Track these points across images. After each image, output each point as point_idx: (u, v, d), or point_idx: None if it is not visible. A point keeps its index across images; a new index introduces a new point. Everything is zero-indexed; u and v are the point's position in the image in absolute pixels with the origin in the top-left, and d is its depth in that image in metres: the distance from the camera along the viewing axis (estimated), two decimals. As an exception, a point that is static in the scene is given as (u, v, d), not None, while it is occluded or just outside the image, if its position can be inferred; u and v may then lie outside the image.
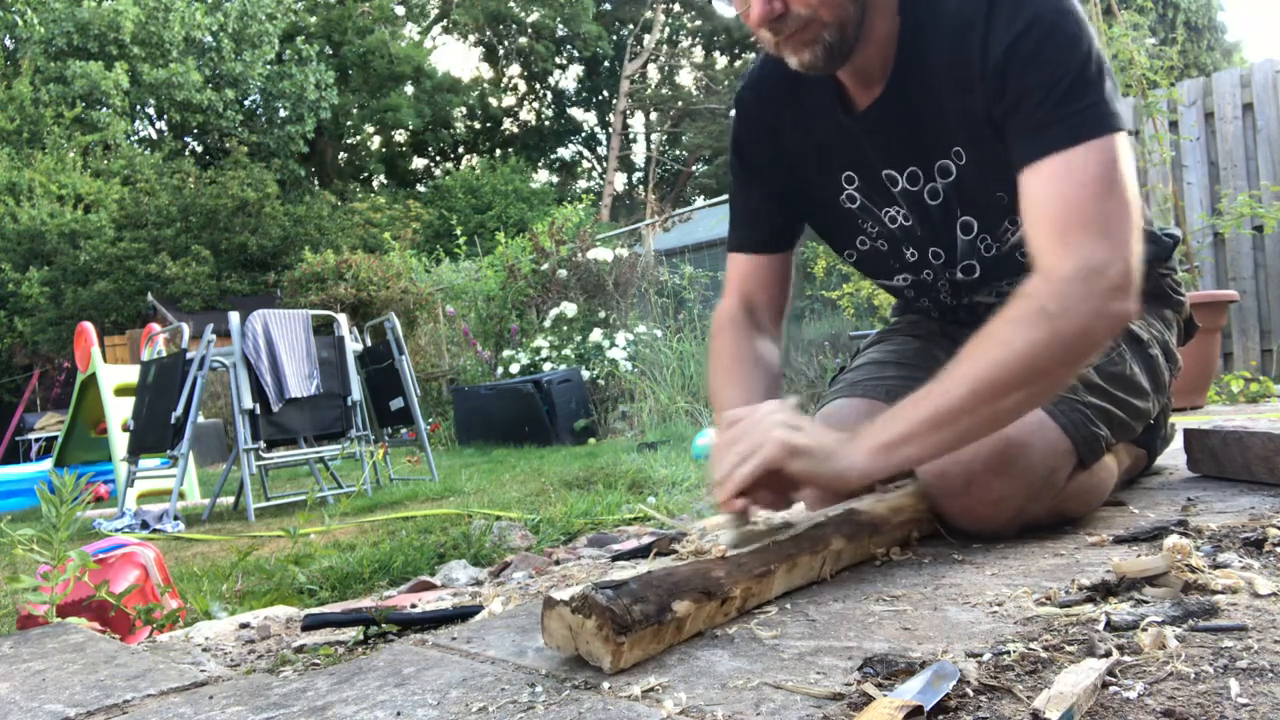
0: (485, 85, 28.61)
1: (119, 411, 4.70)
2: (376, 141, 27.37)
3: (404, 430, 5.61)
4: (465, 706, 0.79)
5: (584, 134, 30.85)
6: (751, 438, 1.08)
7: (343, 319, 4.47)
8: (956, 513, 1.27)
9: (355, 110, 24.91)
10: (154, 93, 18.73)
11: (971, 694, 0.70)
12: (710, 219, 10.16)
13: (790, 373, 5.69)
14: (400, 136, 27.35)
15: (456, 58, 69.45)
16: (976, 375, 1.08)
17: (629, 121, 27.40)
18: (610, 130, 25.95)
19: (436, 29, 28.77)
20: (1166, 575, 0.91)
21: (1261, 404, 3.69)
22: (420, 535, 2.38)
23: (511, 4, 26.85)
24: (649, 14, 24.39)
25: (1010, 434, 1.20)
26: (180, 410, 3.89)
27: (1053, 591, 0.95)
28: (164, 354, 4.78)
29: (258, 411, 3.97)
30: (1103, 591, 0.93)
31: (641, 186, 27.22)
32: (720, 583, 0.95)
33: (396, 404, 4.67)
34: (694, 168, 26.33)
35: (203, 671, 1.02)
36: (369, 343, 4.91)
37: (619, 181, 26.65)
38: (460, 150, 29.31)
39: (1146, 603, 0.88)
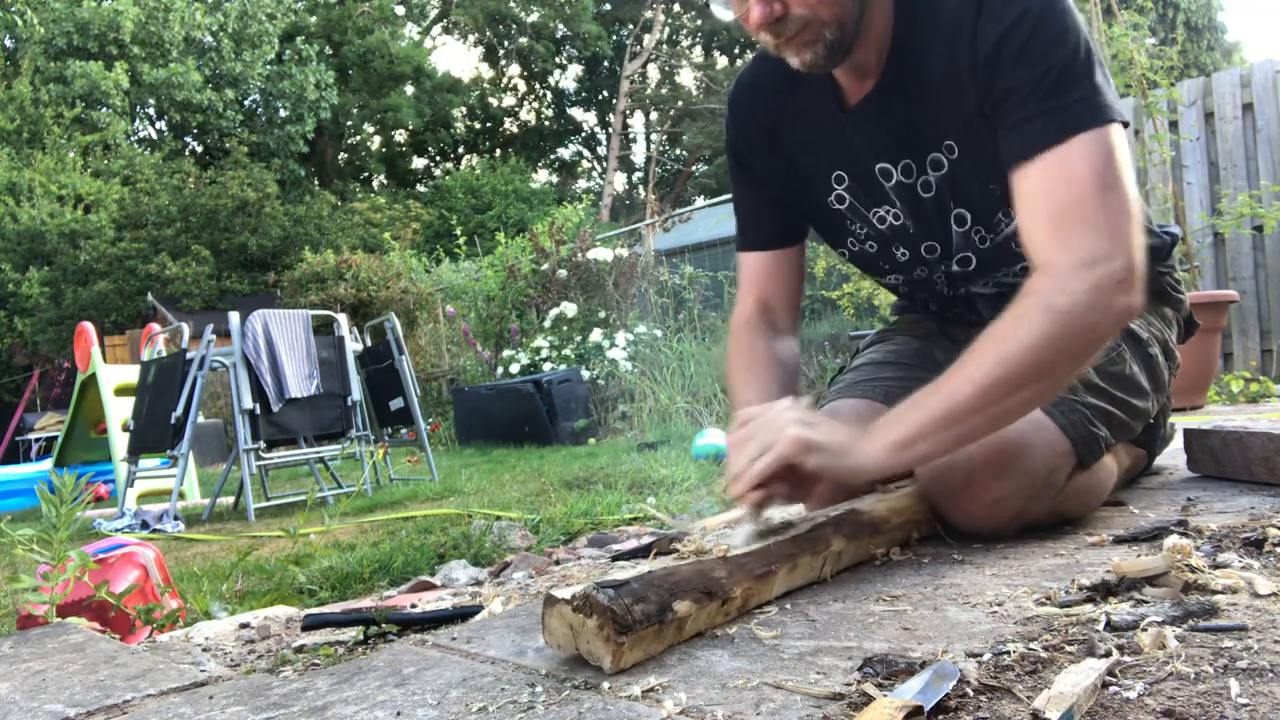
0: (485, 85, 28.62)
1: (119, 411, 4.70)
2: (376, 141, 27.38)
3: (404, 430, 5.61)
4: (465, 706, 0.79)
5: (584, 134, 30.88)
6: (767, 434, 1.10)
7: (343, 319, 4.47)
8: (956, 513, 1.27)
9: (355, 110, 24.92)
10: (154, 93, 18.73)
11: (971, 694, 0.70)
12: (710, 219, 10.16)
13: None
14: (400, 136, 27.37)
15: (456, 58, 69.48)
16: (985, 373, 1.09)
17: (629, 121, 27.42)
18: (610, 130, 25.95)
19: (436, 29, 28.78)
20: (1166, 575, 0.91)
21: (1261, 404, 3.69)
22: (420, 535, 2.38)
23: (511, 4, 26.85)
24: (649, 14, 24.39)
25: (1010, 434, 1.20)
26: (180, 410, 3.89)
27: (1053, 591, 0.95)
28: (164, 354, 4.78)
29: (258, 411, 3.97)
30: (1103, 591, 0.93)
31: (641, 186, 27.22)
32: (721, 583, 0.95)
33: (396, 404, 4.67)
34: (694, 168, 26.33)
35: (203, 671, 1.02)
36: (369, 343, 4.91)
37: (619, 181, 26.66)
38: (460, 150, 29.32)
39: (1146, 603, 0.88)
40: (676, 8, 27.03)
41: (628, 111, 25.31)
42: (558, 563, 1.85)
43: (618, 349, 6.67)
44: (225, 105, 19.60)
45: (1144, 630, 0.78)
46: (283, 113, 20.91)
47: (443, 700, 0.81)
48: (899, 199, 1.38)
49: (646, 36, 24.56)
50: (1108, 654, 0.74)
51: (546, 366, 6.87)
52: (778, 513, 1.14)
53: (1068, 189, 1.11)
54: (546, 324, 7.44)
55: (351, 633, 1.28)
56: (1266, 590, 0.87)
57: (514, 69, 28.92)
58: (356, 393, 4.36)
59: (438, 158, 29.38)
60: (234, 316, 4.05)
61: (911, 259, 1.45)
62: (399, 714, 0.79)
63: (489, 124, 29.45)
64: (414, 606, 1.42)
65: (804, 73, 1.31)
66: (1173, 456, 1.82)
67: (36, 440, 11.25)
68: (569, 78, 30.17)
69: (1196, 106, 5.21)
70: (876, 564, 1.19)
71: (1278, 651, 0.72)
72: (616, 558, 1.73)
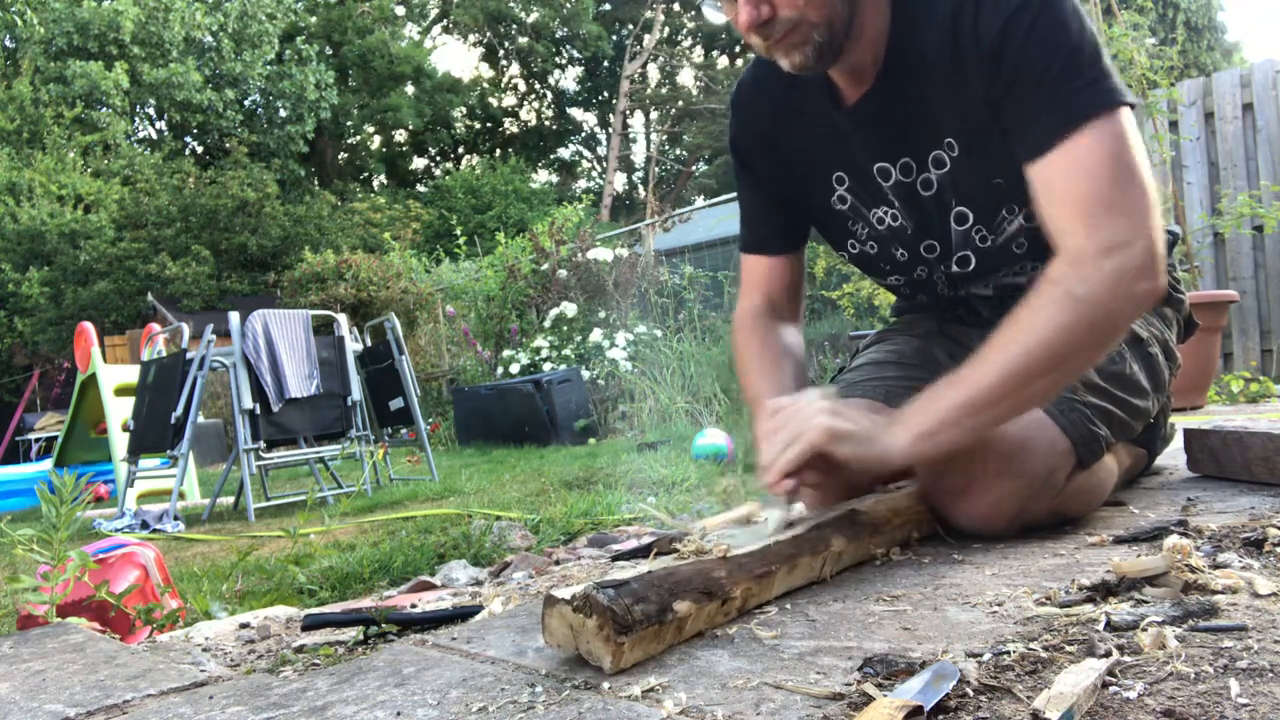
0: (485, 85, 28.62)
1: (119, 411, 4.70)
2: (376, 141, 27.38)
3: (404, 430, 5.61)
4: (465, 706, 0.79)
5: (584, 134, 30.88)
6: (796, 423, 1.12)
7: (343, 319, 4.47)
8: (956, 513, 1.27)
9: (355, 110, 24.92)
10: (154, 93, 18.74)
11: (971, 694, 0.70)
12: (710, 219, 10.15)
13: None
14: (400, 136, 27.37)
15: (456, 58, 69.45)
16: (1009, 361, 1.10)
17: (629, 121, 27.41)
18: (610, 130, 25.93)
19: (436, 29, 28.79)
20: (1166, 575, 0.91)
21: (1261, 404, 3.69)
22: (420, 535, 2.38)
23: (511, 4, 26.85)
24: (649, 14, 24.38)
25: (1010, 434, 1.20)
26: (180, 410, 3.89)
27: (1053, 591, 0.95)
28: (164, 354, 4.78)
29: (258, 411, 3.97)
30: (1103, 591, 0.93)
31: (641, 186, 27.22)
32: (721, 583, 0.95)
33: (396, 404, 4.67)
34: (694, 168, 26.32)
35: (203, 671, 1.02)
36: (369, 343, 4.91)
37: (619, 181, 26.65)
38: (460, 150, 29.32)
39: (1146, 603, 0.88)
40: (676, 8, 27.03)
41: (628, 111, 25.30)
42: (558, 563, 1.85)
43: (618, 349, 6.67)
44: (225, 105, 19.60)
45: (1144, 630, 0.78)
46: (283, 113, 20.92)
47: (443, 700, 0.81)
48: (897, 199, 1.38)
49: (646, 36, 24.54)
50: (1108, 654, 0.74)
51: (546, 366, 6.87)
52: (777, 514, 1.14)
53: (1086, 175, 1.12)
54: (546, 324, 7.44)
55: (351, 633, 1.28)
56: (1266, 590, 0.87)
57: (514, 69, 28.93)
58: (356, 393, 4.36)
59: (438, 158, 29.39)
60: (234, 316, 4.05)
61: (911, 259, 1.45)
62: (399, 714, 0.79)
63: (489, 124, 29.45)
64: (414, 606, 1.42)
65: (802, 75, 1.31)
66: (1173, 456, 1.82)
67: (36, 440, 11.25)
68: (569, 78, 30.20)
69: (1196, 106, 5.21)
70: (876, 564, 1.19)
71: (1278, 651, 0.72)
72: (616, 558, 1.73)
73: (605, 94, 28.76)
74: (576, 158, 31.46)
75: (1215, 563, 0.99)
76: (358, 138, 26.83)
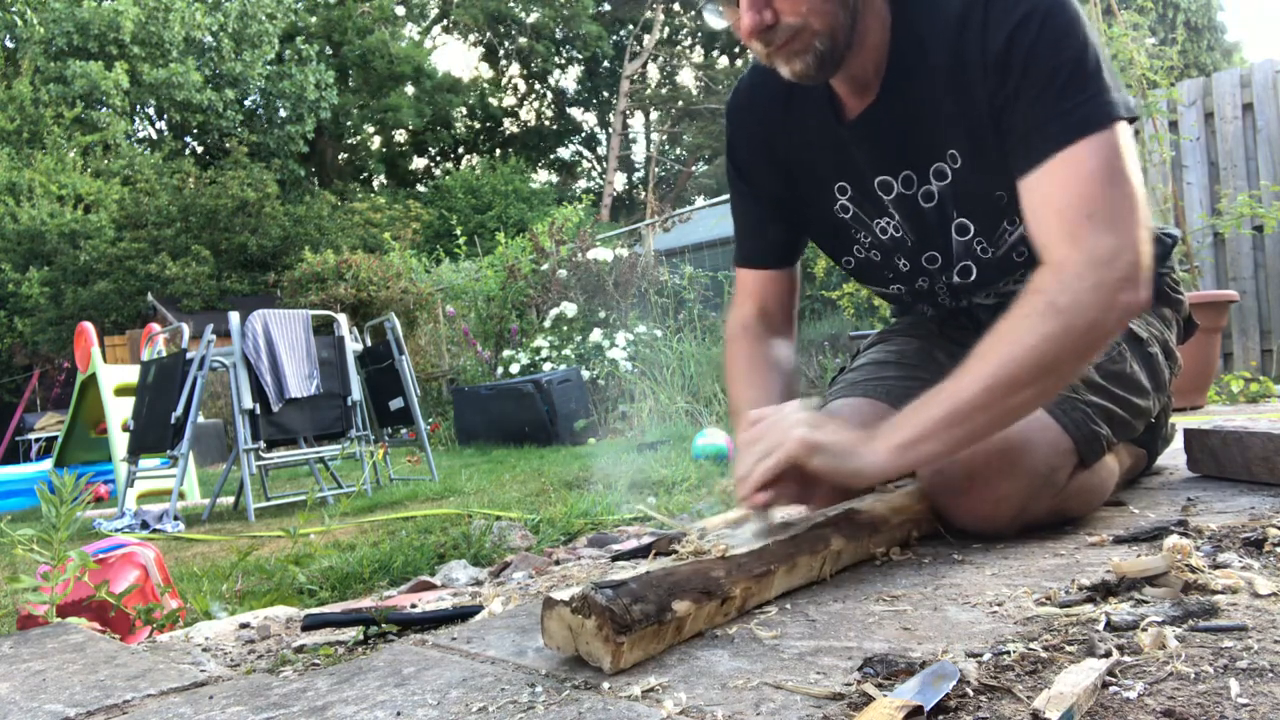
0: (485, 85, 28.61)
1: (119, 411, 4.70)
2: (376, 141, 27.37)
3: (404, 430, 5.61)
4: (465, 706, 0.79)
5: (584, 134, 30.88)
6: (773, 435, 1.10)
7: (343, 319, 4.47)
8: (957, 512, 1.27)
9: (355, 110, 24.91)
10: (154, 93, 18.74)
11: (971, 694, 0.70)
12: (710, 219, 10.15)
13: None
14: (400, 136, 27.36)
15: (456, 58, 69.44)
16: (990, 372, 1.09)
17: (629, 121, 27.40)
18: (610, 130, 25.93)
19: (436, 29, 28.78)
20: (1166, 575, 0.91)
21: (1261, 404, 3.69)
22: (420, 535, 2.38)
23: (511, 4, 26.85)
24: (649, 14, 24.38)
25: (1011, 433, 1.20)
26: (180, 410, 3.89)
27: (1053, 591, 0.95)
28: (164, 354, 4.78)
29: (258, 411, 3.97)
30: (1103, 591, 0.93)
31: (641, 186, 27.21)
32: (720, 583, 0.95)
33: (396, 404, 4.67)
34: (694, 168, 26.32)
35: (203, 671, 1.02)
36: (369, 343, 4.91)
37: (619, 181, 26.64)
38: (460, 150, 29.32)
39: (1146, 603, 0.88)
40: (676, 8, 27.03)
41: (628, 111, 25.29)
42: (558, 563, 1.85)
43: (618, 349, 6.67)
44: (225, 105, 19.60)
45: (1144, 630, 0.78)
46: (283, 113, 20.91)
47: (443, 700, 0.81)
48: (898, 211, 1.38)
49: (646, 36, 24.54)
50: (1108, 654, 0.74)
51: (546, 366, 6.87)
52: (779, 513, 1.14)
53: (1076, 187, 1.12)
54: (546, 324, 7.44)
55: (351, 633, 1.28)
56: (1266, 590, 0.87)
57: (514, 69, 28.93)
58: (356, 393, 4.36)
59: (438, 158, 29.39)
60: (234, 316, 4.05)
61: (913, 270, 1.45)
62: (399, 714, 0.79)
63: (489, 124, 29.45)
64: (414, 606, 1.42)
65: (802, 85, 1.30)
66: (1173, 456, 1.82)
67: (36, 440, 11.25)
68: (569, 78, 30.19)
69: (1196, 106, 5.21)
70: (876, 564, 1.18)
71: (1278, 651, 0.72)
72: (616, 558, 1.73)
73: (605, 94, 28.76)
74: (576, 158, 31.48)
75: (1215, 563, 0.99)
76: (358, 138, 26.83)
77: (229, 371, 4.03)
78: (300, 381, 4.11)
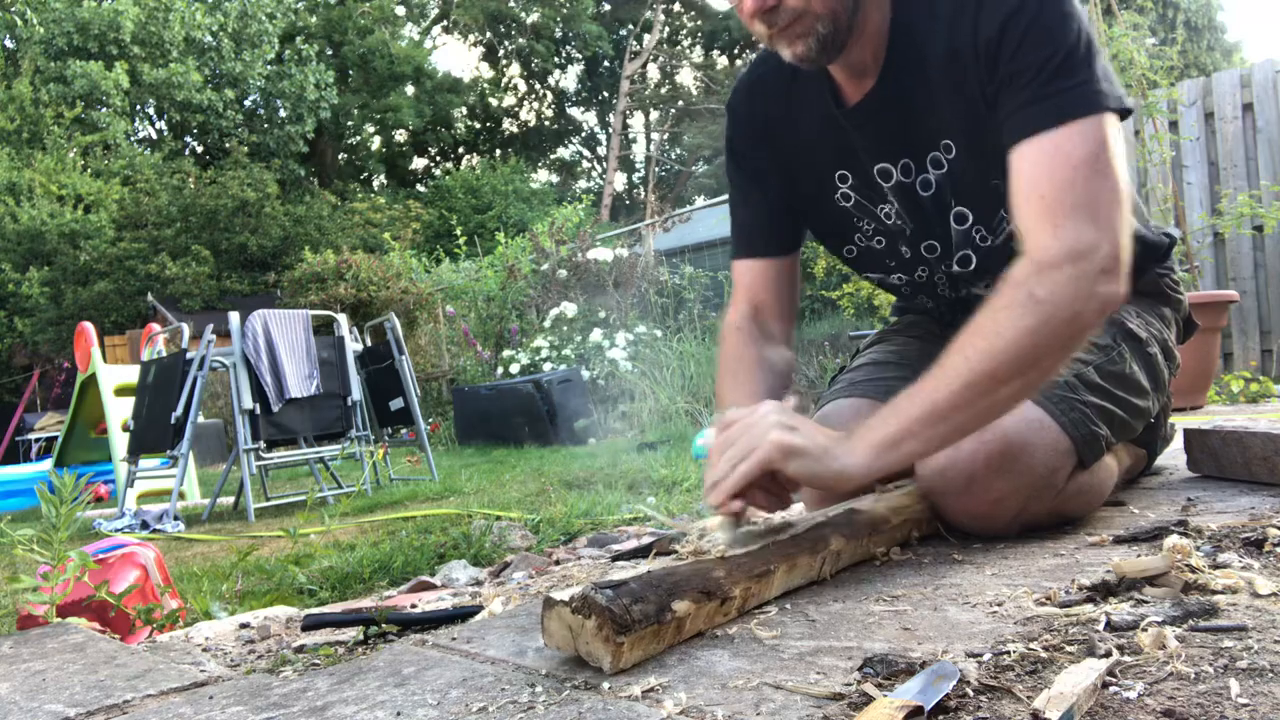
0: (485, 85, 28.62)
1: (119, 411, 4.70)
2: (376, 141, 27.37)
3: (404, 430, 5.61)
4: (465, 707, 0.79)
5: (584, 134, 30.89)
6: (747, 439, 1.07)
7: (343, 319, 4.48)
8: (957, 512, 1.27)
9: (355, 110, 24.92)
10: (154, 93, 18.74)
11: (971, 694, 0.70)
12: (710, 219, 10.15)
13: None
14: (400, 136, 27.36)
15: (456, 58, 69.43)
16: (970, 367, 1.07)
17: (629, 121, 27.41)
18: (610, 130, 25.93)
19: (436, 29, 28.79)
20: (1166, 575, 0.91)
21: (1261, 404, 3.69)
22: (420, 535, 2.38)
23: (511, 4, 26.86)
24: (649, 14, 24.38)
25: (1010, 433, 1.19)
26: (180, 410, 3.89)
27: (1053, 591, 0.95)
28: (164, 354, 4.78)
29: (258, 411, 3.97)
30: (1103, 591, 0.93)
31: (641, 186, 27.22)
32: (720, 583, 0.95)
33: (396, 404, 4.68)
34: (694, 168, 26.32)
35: (203, 671, 1.02)
36: (369, 343, 4.91)
37: (619, 181, 26.64)
38: (460, 150, 29.32)
39: (1146, 603, 0.88)
40: (676, 8, 27.03)
41: (628, 111, 25.30)
42: (558, 563, 1.85)
43: (618, 349, 6.67)
44: (225, 105, 19.60)
45: (1144, 630, 0.78)
46: (283, 113, 20.92)
47: (443, 700, 0.81)
48: (897, 199, 1.38)
49: (646, 36, 24.54)
50: (1108, 654, 0.74)
51: (546, 366, 6.87)
52: (777, 514, 1.14)
53: (1060, 173, 1.11)
54: (546, 324, 7.44)
55: (351, 633, 1.28)
56: (1266, 590, 0.87)
57: (514, 69, 28.93)
58: (356, 393, 4.36)
59: (438, 158, 29.39)
60: (234, 316, 4.05)
61: (913, 258, 1.45)
62: (399, 714, 0.79)
63: (489, 124, 29.46)
64: (414, 606, 1.42)
65: (802, 74, 1.31)
66: (1173, 456, 1.82)
67: (36, 440, 11.25)
68: (569, 78, 30.20)
69: (1196, 106, 5.21)
70: (876, 564, 1.18)
71: (1278, 651, 0.72)
72: (616, 558, 1.73)
73: (605, 94, 28.77)
74: (576, 158, 31.49)
75: (1215, 563, 0.99)
76: (358, 138, 26.84)
77: (229, 371, 4.03)
78: (300, 381, 4.11)
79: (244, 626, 1.43)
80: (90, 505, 3.03)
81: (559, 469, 3.92)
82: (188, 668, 1.04)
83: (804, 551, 1.07)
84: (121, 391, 4.87)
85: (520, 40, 27.59)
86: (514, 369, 7.05)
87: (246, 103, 20.91)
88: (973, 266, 1.41)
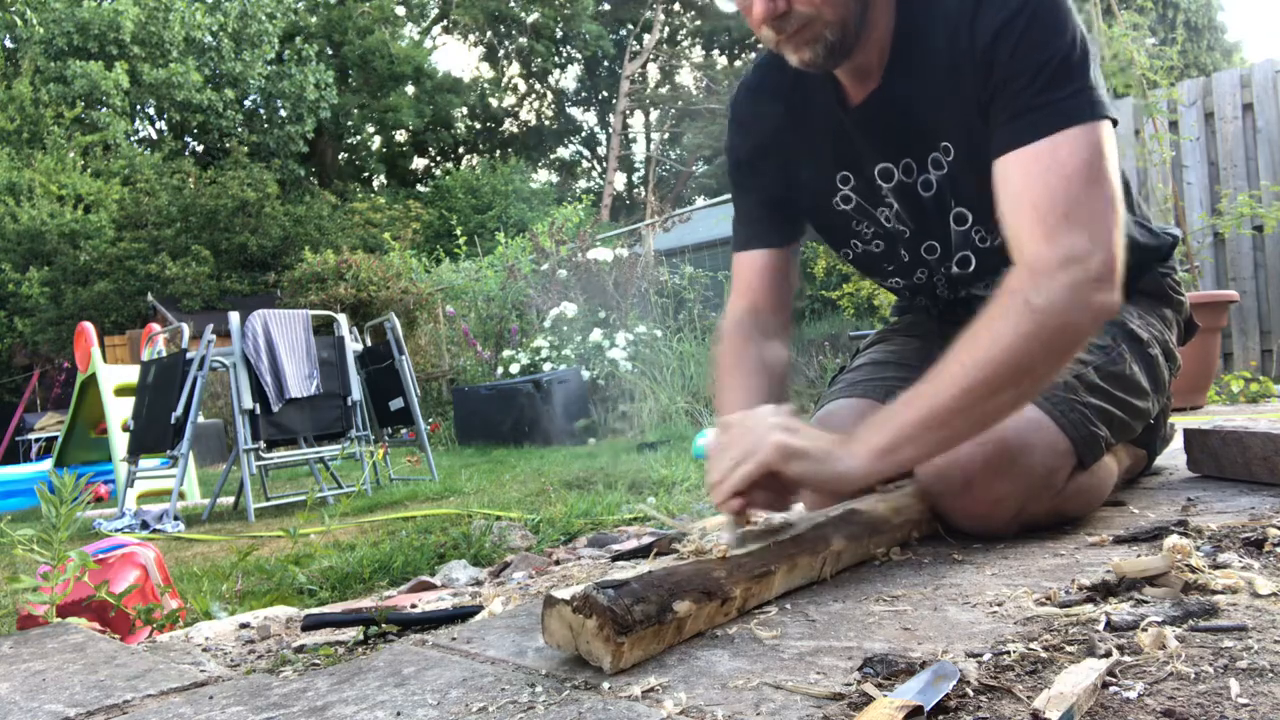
0: (485, 85, 28.62)
1: (119, 411, 4.70)
2: (377, 141, 27.37)
3: (404, 430, 5.61)
4: (465, 706, 0.79)
5: (584, 134, 30.88)
6: (748, 440, 1.08)
7: (343, 319, 4.48)
8: (956, 513, 1.27)
9: (355, 110, 24.91)
10: (154, 93, 18.74)
11: (971, 694, 0.70)
12: (710, 219, 10.15)
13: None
14: (400, 136, 27.36)
15: (456, 58, 69.41)
16: (966, 374, 1.08)
17: (629, 121, 27.41)
18: (610, 130, 25.93)
19: (436, 29, 28.78)
20: (1166, 575, 0.91)
21: (1261, 404, 3.69)
22: (420, 535, 2.38)
23: (511, 4, 26.86)
24: (649, 14, 24.38)
25: (1010, 434, 1.20)
26: (180, 410, 3.89)
27: (1053, 591, 0.95)
28: (164, 354, 4.78)
29: (258, 411, 3.97)
30: (1103, 591, 0.93)
31: (641, 186, 27.22)
32: (721, 583, 0.95)
33: (396, 404, 4.68)
34: (694, 168, 26.32)
35: (203, 671, 1.02)
36: (369, 343, 4.91)
37: (619, 181, 26.65)
38: (460, 150, 29.32)
39: (1146, 603, 0.88)
40: (676, 8, 27.03)
41: (628, 111, 25.29)
42: (558, 563, 1.85)
43: (618, 349, 6.67)
44: (225, 105, 19.60)
45: (1144, 630, 0.78)
46: (283, 113, 20.92)
47: (443, 700, 0.81)
48: (898, 200, 1.38)
49: (646, 36, 24.54)
50: (1108, 654, 0.74)
51: (546, 366, 6.87)
52: (777, 515, 1.14)
53: (1054, 182, 1.11)
54: (546, 324, 7.44)
55: (351, 633, 1.28)
56: (1266, 590, 0.87)
57: (514, 69, 28.94)
58: (356, 393, 4.36)
59: (438, 158, 29.39)
60: (234, 316, 4.05)
61: (912, 260, 1.45)
62: (399, 714, 0.79)
63: (489, 124, 29.46)
64: (414, 606, 1.42)
65: (806, 76, 1.31)
66: (1173, 456, 1.82)
67: (36, 440, 11.25)
68: (569, 78, 30.20)
69: (1196, 106, 5.21)
70: (876, 564, 1.18)
71: (1278, 651, 0.72)
72: (617, 558, 1.73)
73: (605, 94, 28.76)
74: (576, 158, 31.49)
75: (1215, 563, 0.99)
76: (358, 138, 26.83)
77: (229, 371, 4.03)
78: (300, 381, 4.11)
79: (244, 626, 1.43)
80: (90, 505, 3.03)
81: (559, 469, 3.92)
82: (188, 668, 1.04)
83: (804, 552, 1.07)
84: (121, 391, 4.87)
85: (520, 40, 27.59)
86: (514, 369, 7.05)
87: (246, 103, 20.91)
88: (972, 268, 1.41)
